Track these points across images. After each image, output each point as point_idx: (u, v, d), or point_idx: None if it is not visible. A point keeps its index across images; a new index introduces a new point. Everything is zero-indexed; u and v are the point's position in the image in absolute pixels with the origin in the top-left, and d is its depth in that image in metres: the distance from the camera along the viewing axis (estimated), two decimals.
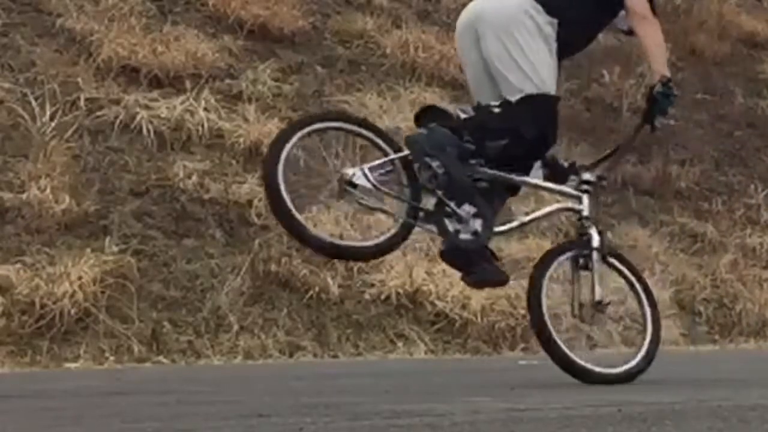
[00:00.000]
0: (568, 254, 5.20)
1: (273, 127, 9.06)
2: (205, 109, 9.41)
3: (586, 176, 5.28)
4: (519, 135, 4.99)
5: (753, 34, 13.35)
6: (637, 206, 10.96)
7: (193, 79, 9.61)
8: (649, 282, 10.09)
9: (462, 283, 5.32)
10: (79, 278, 7.80)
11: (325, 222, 8.34)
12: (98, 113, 9.11)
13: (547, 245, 8.15)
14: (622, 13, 5.26)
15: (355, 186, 4.77)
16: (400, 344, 8.53)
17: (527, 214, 5.70)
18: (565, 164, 5.39)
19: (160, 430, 3.44)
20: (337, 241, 5.09)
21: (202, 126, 9.27)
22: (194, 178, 8.92)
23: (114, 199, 8.63)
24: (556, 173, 5.36)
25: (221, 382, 6.19)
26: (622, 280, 5.38)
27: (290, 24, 10.56)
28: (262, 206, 8.64)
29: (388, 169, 4.89)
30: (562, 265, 5.21)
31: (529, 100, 5.01)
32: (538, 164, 5.24)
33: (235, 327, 8.19)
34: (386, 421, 3.48)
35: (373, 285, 8.72)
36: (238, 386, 5.73)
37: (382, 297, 8.68)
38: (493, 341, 8.70)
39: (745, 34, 13.29)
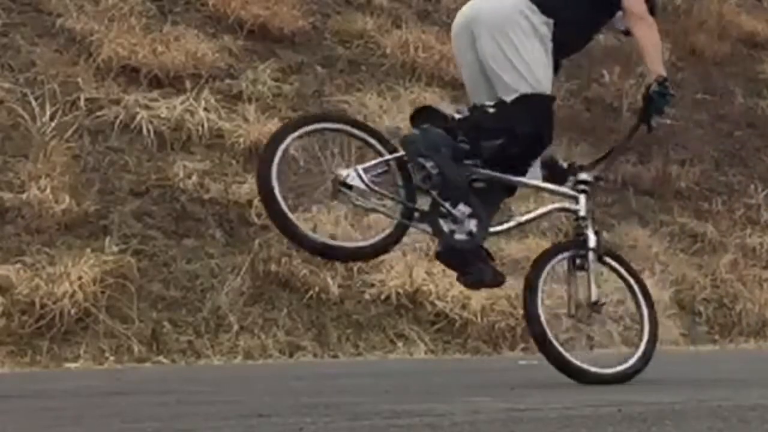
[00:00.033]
0: (565, 255, 5.20)
1: (273, 127, 9.05)
2: (205, 109, 9.41)
3: (583, 176, 5.29)
4: (514, 135, 4.99)
5: (753, 34, 13.35)
6: (637, 206, 10.96)
7: (193, 79, 9.61)
8: (649, 282, 10.11)
9: None
10: (79, 278, 7.80)
11: (326, 222, 8.33)
12: (98, 113, 9.11)
13: (547, 245, 8.15)
14: (620, 13, 5.26)
15: (349, 187, 4.77)
16: (400, 344, 8.53)
17: (523, 214, 5.69)
18: (565, 165, 5.40)
19: (160, 430, 3.44)
20: (330, 242, 5.09)
21: (202, 126, 9.27)
22: (194, 178, 8.93)
23: (114, 199, 8.63)
24: (556, 174, 5.36)
25: (221, 382, 6.19)
26: (619, 280, 5.38)
27: (290, 24, 10.56)
28: (262, 206, 8.63)
29: (383, 170, 4.89)
30: (558, 265, 5.21)
31: (524, 99, 5.01)
32: (537, 163, 5.24)
33: (235, 327, 8.19)
34: (386, 421, 3.48)
35: (373, 285, 8.73)
36: (238, 386, 5.73)
37: (382, 297, 8.68)
38: (493, 341, 8.70)
39: (745, 34, 13.29)
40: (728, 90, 12.64)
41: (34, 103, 8.83)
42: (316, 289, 8.51)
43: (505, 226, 5.31)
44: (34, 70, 9.18)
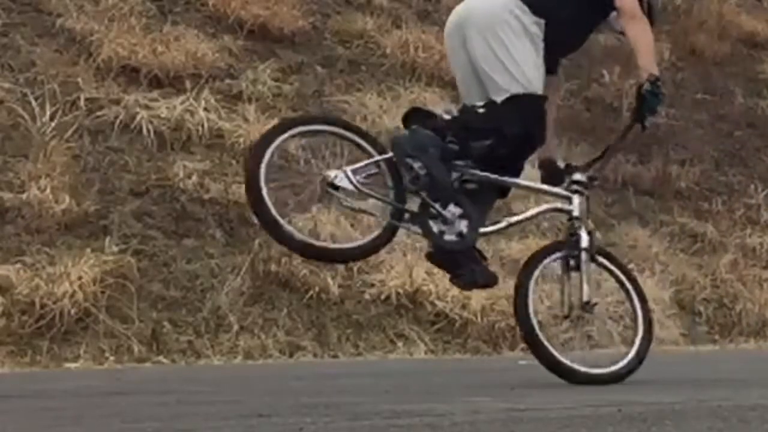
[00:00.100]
0: (557, 255, 5.20)
1: None
2: (205, 109, 9.41)
3: (576, 176, 5.29)
4: (503, 135, 4.99)
5: (753, 34, 13.35)
6: (637, 206, 10.96)
7: (193, 79, 9.61)
8: (649, 282, 10.15)
9: None
10: (79, 278, 7.80)
11: (326, 222, 8.35)
12: (98, 113, 9.11)
13: None
14: (615, 13, 5.26)
15: (337, 188, 4.77)
16: (400, 344, 8.53)
17: (514, 215, 5.69)
18: (562, 165, 5.40)
19: (160, 430, 3.44)
20: (318, 243, 5.09)
21: (202, 126, 9.27)
22: (194, 178, 8.92)
23: (114, 199, 8.63)
24: (553, 174, 5.36)
25: (221, 382, 6.19)
26: (613, 280, 5.38)
27: (290, 24, 10.56)
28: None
29: (374, 171, 4.89)
30: (550, 266, 5.21)
31: (515, 100, 5.01)
32: (533, 160, 5.25)
33: (235, 327, 8.19)
34: (386, 421, 3.48)
35: (373, 285, 8.73)
36: (238, 386, 5.73)
37: (382, 297, 8.68)
38: (493, 341, 8.70)
39: (745, 34, 13.29)
40: (728, 90, 12.64)
41: (34, 103, 8.83)
42: (316, 289, 8.51)
43: (497, 226, 5.31)
44: (34, 70, 9.18)
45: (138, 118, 9.12)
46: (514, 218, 5.52)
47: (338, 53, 10.73)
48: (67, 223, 8.28)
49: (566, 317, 5.26)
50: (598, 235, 10.20)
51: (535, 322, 4.98)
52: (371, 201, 4.93)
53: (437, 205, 4.87)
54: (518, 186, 5.30)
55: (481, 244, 7.66)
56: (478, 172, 5.04)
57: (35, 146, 8.60)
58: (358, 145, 4.95)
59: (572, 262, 5.15)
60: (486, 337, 8.71)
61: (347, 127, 5.16)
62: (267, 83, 9.95)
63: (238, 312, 8.27)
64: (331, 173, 4.78)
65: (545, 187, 5.42)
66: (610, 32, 5.56)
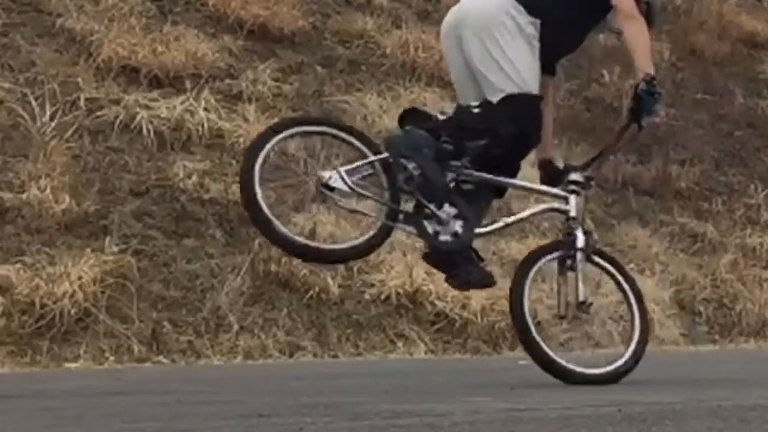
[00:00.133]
0: (553, 255, 5.20)
1: None
2: (205, 109, 9.41)
3: (573, 177, 5.29)
4: (498, 135, 4.99)
5: (753, 34, 13.35)
6: (637, 206, 10.97)
7: (193, 79, 9.61)
8: (649, 282, 10.14)
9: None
10: (79, 278, 7.80)
11: (326, 222, 8.35)
12: (98, 113, 9.11)
13: None
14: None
15: (331, 189, 4.77)
16: (400, 344, 8.53)
17: (511, 215, 5.69)
18: (561, 166, 5.40)
19: (160, 430, 3.44)
20: (312, 243, 5.09)
21: (202, 126, 9.27)
22: (194, 178, 8.93)
23: (114, 199, 8.63)
24: (552, 175, 5.37)
25: (221, 382, 6.19)
26: (610, 280, 5.38)
27: (290, 24, 10.56)
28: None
29: (369, 172, 4.89)
30: (546, 266, 5.21)
31: (510, 100, 5.01)
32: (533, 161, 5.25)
33: (235, 327, 8.19)
34: (386, 421, 3.48)
35: (373, 285, 8.73)
36: (238, 386, 5.73)
37: (382, 297, 8.68)
38: (493, 341, 8.70)
39: (745, 34, 13.30)
40: (728, 90, 12.64)
41: (34, 103, 8.83)
42: (316, 289, 8.51)
43: (493, 227, 5.31)
44: (34, 70, 9.18)
45: (138, 118, 9.12)
46: (510, 218, 5.51)
47: (338, 53, 10.73)
48: (67, 223, 8.28)
49: (562, 317, 5.27)
50: (597, 235, 10.28)
51: (530, 321, 4.98)
52: (366, 201, 4.94)
53: (432, 206, 4.87)
54: (514, 186, 5.30)
55: (480, 244, 7.65)
56: (473, 172, 5.04)
57: (35, 146, 8.60)
58: (353, 146, 4.95)
59: (568, 262, 5.15)
60: (486, 337, 8.71)
61: (342, 128, 5.17)
62: (267, 83, 9.95)
63: (238, 312, 8.27)
64: (325, 174, 4.79)
65: (541, 187, 5.42)
66: (608, 32, 5.55)
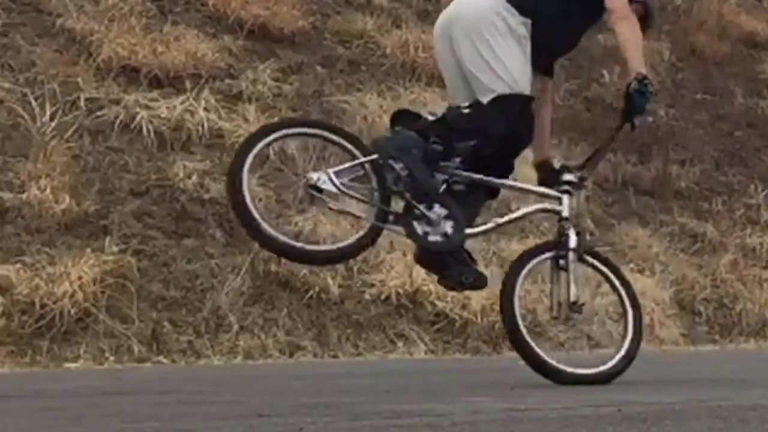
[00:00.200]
0: (544, 256, 5.20)
1: None
2: (205, 109, 9.40)
3: (567, 177, 5.29)
4: (487, 135, 4.99)
5: (753, 34, 13.35)
6: (637, 206, 10.97)
7: (193, 79, 9.61)
8: (649, 282, 10.12)
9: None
10: (79, 278, 7.80)
11: (325, 222, 8.36)
12: (98, 113, 9.11)
13: None
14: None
15: (320, 190, 4.78)
16: (400, 344, 8.53)
17: (503, 215, 5.68)
18: (557, 166, 5.40)
19: (160, 430, 3.44)
20: (301, 245, 5.10)
21: (202, 126, 9.27)
22: (194, 178, 8.92)
23: (114, 199, 8.63)
24: (549, 176, 5.36)
25: (221, 382, 6.19)
26: (603, 280, 5.38)
27: (290, 24, 10.56)
28: (263, 206, 8.64)
29: (360, 173, 4.89)
30: (537, 266, 5.22)
31: (500, 100, 5.01)
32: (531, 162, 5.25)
33: (235, 327, 8.19)
34: (386, 421, 3.48)
35: (373, 285, 8.73)
36: (238, 386, 5.73)
37: (382, 297, 8.68)
38: (493, 341, 8.70)
39: (745, 34, 13.29)
40: (728, 90, 12.64)
41: (34, 103, 8.83)
42: (316, 289, 8.51)
43: (485, 227, 5.30)
44: (34, 70, 9.18)
45: (138, 118, 9.12)
46: (502, 219, 5.50)
47: (338, 53, 10.73)
48: (67, 223, 8.28)
49: (555, 318, 5.27)
50: (597, 235, 10.28)
51: (520, 322, 4.98)
52: (355, 202, 4.95)
53: (422, 207, 4.87)
54: (506, 187, 5.30)
55: (480, 244, 7.71)
56: (464, 173, 5.04)
57: (35, 146, 8.60)
58: (344, 148, 4.96)
59: (561, 262, 5.15)
60: (486, 337, 8.71)
61: (332, 129, 5.18)
62: (267, 83, 9.95)
63: (238, 312, 8.27)
64: (314, 175, 4.80)
65: (534, 187, 5.43)
66: (605, 32, 5.54)
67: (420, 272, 8.70)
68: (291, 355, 8.18)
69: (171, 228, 8.65)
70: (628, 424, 3.32)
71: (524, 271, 5.08)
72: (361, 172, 4.89)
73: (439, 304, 8.67)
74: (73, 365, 7.55)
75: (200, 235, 8.67)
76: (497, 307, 8.65)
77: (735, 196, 11.51)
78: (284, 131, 4.99)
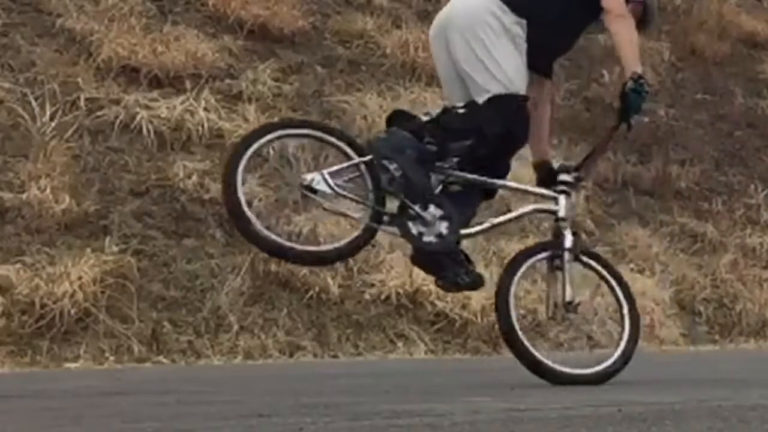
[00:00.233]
0: (540, 256, 5.20)
1: None
2: (205, 109, 9.40)
3: (563, 177, 5.29)
4: (483, 135, 4.99)
5: (753, 34, 13.35)
6: (637, 206, 10.97)
7: (193, 79, 9.61)
8: (649, 282, 10.12)
9: None
10: (79, 278, 7.80)
11: (326, 222, 8.35)
12: (98, 113, 9.11)
13: None
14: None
15: (314, 191, 4.78)
16: (400, 344, 8.53)
17: (498, 216, 5.68)
18: (555, 166, 5.40)
19: (160, 430, 3.44)
20: (296, 246, 5.11)
21: (202, 126, 9.27)
22: (194, 178, 8.92)
23: (114, 199, 8.63)
24: (547, 176, 5.36)
25: (221, 382, 6.19)
26: (600, 280, 5.38)
27: (290, 24, 10.56)
28: (262, 206, 8.64)
29: (355, 174, 4.89)
30: (533, 266, 5.21)
31: (495, 100, 5.00)
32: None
33: (235, 327, 8.19)
34: (386, 421, 3.48)
35: (373, 285, 8.73)
36: (238, 386, 5.73)
37: (382, 297, 8.68)
38: (493, 341, 8.69)
39: (745, 34, 13.29)
40: (728, 90, 12.64)
41: (34, 103, 8.83)
42: (316, 289, 8.51)
43: (480, 227, 5.30)
44: (34, 70, 9.18)
45: (138, 118, 9.12)
46: (497, 219, 5.50)
47: (338, 53, 10.73)
48: (67, 223, 8.28)
49: (552, 318, 5.28)
50: (597, 235, 10.28)
51: (515, 322, 4.98)
52: (351, 203, 4.95)
53: (416, 207, 4.86)
54: (502, 187, 5.30)
55: (480, 244, 7.71)
56: (460, 173, 5.04)
57: (35, 146, 8.60)
58: (339, 149, 4.97)
59: (557, 263, 5.15)
60: (486, 337, 8.71)
61: (327, 130, 5.18)
62: (267, 83, 9.95)
63: (238, 312, 8.27)
64: (308, 176, 4.80)
65: (530, 187, 5.43)
66: (606, 33, 5.53)
67: (420, 272, 8.67)
68: (291, 355, 8.18)
69: (171, 228, 8.65)
70: (628, 424, 3.32)
71: (519, 272, 5.08)
72: (356, 173, 4.89)
73: (439, 304, 8.67)
74: (73, 365, 7.55)
75: (200, 235, 8.67)
76: None
77: (735, 196, 11.51)
78: (279, 132, 5.00)
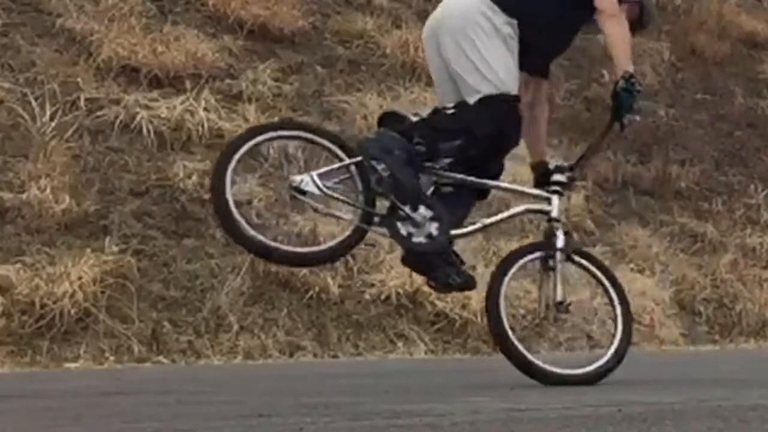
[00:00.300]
0: (532, 256, 5.20)
1: None
2: (205, 109, 9.40)
3: (556, 177, 5.29)
4: (472, 135, 4.98)
5: (753, 34, 13.35)
6: (637, 206, 10.96)
7: (193, 79, 9.61)
8: (649, 282, 10.12)
9: None
10: (79, 278, 7.80)
11: (327, 222, 8.34)
12: (98, 113, 9.11)
13: None
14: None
15: (303, 192, 4.78)
16: (400, 344, 8.53)
17: (489, 216, 5.68)
18: (552, 167, 5.40)
19: (160, 430, 3.44)
20: (286, 247, 5.12)
21: (202, 126, 9.27)
22: (194, 178, 8.92)
23: (114, 199, 8.63)
24: (545, 176, 5.36)
25: (221, 382, 6.19)
26: (592, 280, 5.38)
27: (290, 24, 10.56)
28: (262, 206, 8.64)
29: (345, 175, 4.90)
30: (524, 267, 5.21)
31: (486, 101, 5.00)
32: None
33: (235, 327, 8.19)
34: (386, 421, 3.48)
35: (373, 285, 8.73)
36: (238, 386, 5.73)
37: (382, 297, 8.68)
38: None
39: (745, 34, 13.29)
40: (728, 90, 12.64)
41: (34, 103, 8.83)
42: (316, 289, 8.51)
43: (471, 228, 5.30)
44: (34, 70, 9.18)
45: (138, 118, 9.12)
46: (489, 220, 5.50)
47: (338, 53, 10.73)
48: (67, 223, 8.28)
49: (544, 318, 5.28)
50: (597, 234, 10.28)
51: (505, 322, 4.98)
52: (341, 204, 4.96)
53: (406, 208, 4.86)
54: (494, 187, 5.30)
55: (480, 243, 7.70)
56: (451, 173, 5.04)
57: (35, 146, 8.60)
58: (329, 150, 4.97)
59: (550, 263, 5.15)
60: (486, 337, 8.69)
61: (317, 132, 5.19)
62: (267, 83, 9.95)
63: (238, 312, 8.27)
64: (297, 178, 4.81)
65: (523, 188, 5.44)
66: (598, 32, 5.51)
67: None
68: (291, 355, 8.18)
69: (171, 228, 8.65)
70: (628, 424, 3.32)
71: (510, 273, 5.08)
72: (347, 175, 4.90)
73: (439, 304, 8.67)
74: (73, 365, 7.55)
75: (200, 235, 8.67)
76: None
77: (735, 196, 11.51)
78: (269, 134, 5.01)
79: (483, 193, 5.27)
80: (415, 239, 4.88)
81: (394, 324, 8.63)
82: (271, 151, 8.80)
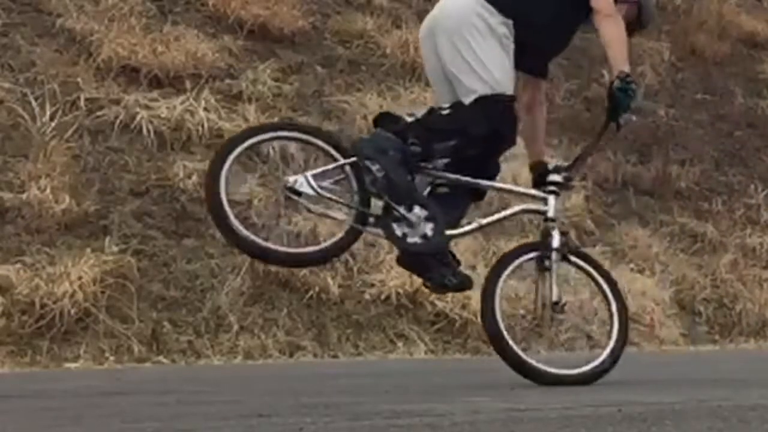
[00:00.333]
0: (528, 256, 5.20)
1: None
2: (205, 109, 9.40)
3: (553, 177, 5.29)
4: (467, 136, 4.98)
5: (753, 34, 13.35)
6: (637, 206, 10.96)
7: (193, 79, 9.61)
8: (649, 282, 10.12)
9: None
10: (79, 278, 7.80)
11: (326, 222, 8.34)
12: (98, 113, 9.11)
13: None
14: None
15: (298, 193, 4.78)
16: (400, 344, 8.53)
17: (485, 216, 5.68)
18: (550, 167, 5.40)
19: (160, 430, 3.44)
20: (279, 248, 5.11)
21: (202, 126, 9.27)
22: (194, 178, 8.92)
23: (114, 199, 8.63)
24: (543, 177, 5.36)
25: (221, 382, 6.19)
26: (588, 279, 5.37)
27: (290, 24, 10.56)
28: (262, 206, 8.64)
29: (340, 176, 4.90)
30: (520, 267, 5.21)
31: (482, 101, 5.00)
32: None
33: (235, 327, 8.19)
34: (386, 421, 3.48)
35: (373, 285, 8.73)
36: (238, 386, 5.73)
37: (382, 297, 8.68)
38: None
39: (745, 34, 13.29)
40: (728, 90, 12.64)
41: (34, 103, 8.83)
42: (316, 289, 8.51)
43: (468, 228, 5.29)
44: (34, 70, 9.18)
45: (138, 118, 9.12)
46: (485, 220, 5.48)
47: (338, 53, 10.73)
48: (67, 223, 8.28)
49: (540, 318, 5.28)
50: (597, 234, 10.28)
51: (500, 322, 4.98)
52: (335, 205, 4.96)
53: (401, 208, 4.86)
54: (490, 188, 5.29)
55: (480, 242, 7.69)
56: (447, 174, 5.03)
57: (35, 146, 8.60)
58: (325, 151, 4.97)
59: (545, 263, 5.15)
60: (486, 337, 8.70)
61: (313, 133, 5.19)
62: (267, 83, 9.95)
63: (238, 312, 8.27)
64: (291, 179, 4.81)
65: (518, 188, 5.44)
66: (594, 32, 5.51)
67: None
68: (291, 355, 8.18)
69: (171, 228, 8.65)
70: (628, 424, 3.32)
71: (505, 273, 5.08)
72: (342, 175, 4.89)
73: (439, 304, 8.67)
74: (73, 365, 7.55)
75: (200, 235, 8.67)
76: None
77: (735, 196, 11.51)
78: (265, 135, 5.01)
79: (479, 193, 5.26)
80: (410, 240, 4.87)
81: (394, 324, 8.63)
82: (272, 151, 8.80)
